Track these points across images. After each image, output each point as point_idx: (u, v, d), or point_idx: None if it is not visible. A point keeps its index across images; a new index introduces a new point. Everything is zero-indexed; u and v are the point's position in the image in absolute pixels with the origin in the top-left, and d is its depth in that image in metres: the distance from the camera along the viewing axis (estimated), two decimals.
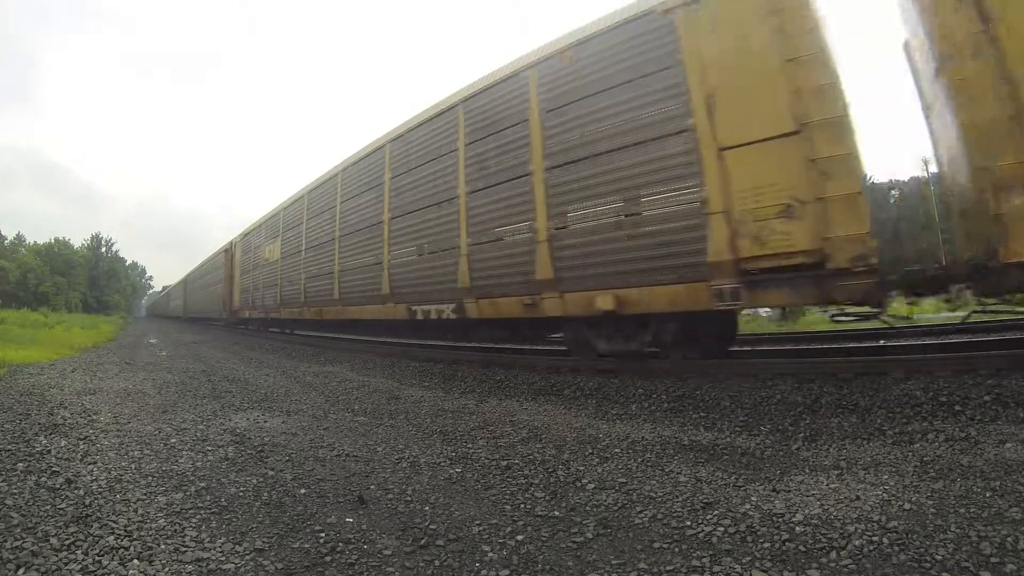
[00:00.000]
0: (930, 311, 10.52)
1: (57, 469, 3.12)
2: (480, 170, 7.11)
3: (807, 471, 2.98)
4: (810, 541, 2.13)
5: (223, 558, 2.14)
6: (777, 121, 4.46)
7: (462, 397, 5.78)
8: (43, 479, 2.94)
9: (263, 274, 16.14)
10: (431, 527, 2.44)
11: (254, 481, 3.04)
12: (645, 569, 2.02)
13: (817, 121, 4.29)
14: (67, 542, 2.22)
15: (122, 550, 2.16)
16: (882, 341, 6.57)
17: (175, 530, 2.37)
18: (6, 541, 2.19)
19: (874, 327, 6.11)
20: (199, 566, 2.07)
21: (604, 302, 5.50)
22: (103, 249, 73.59)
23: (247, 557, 2.15)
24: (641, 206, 5.29)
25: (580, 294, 5.80)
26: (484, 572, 2.04)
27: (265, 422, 4.60)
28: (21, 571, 2.00)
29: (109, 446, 3.68)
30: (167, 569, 2.04)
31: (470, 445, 3.84)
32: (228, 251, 21.29)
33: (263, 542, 2.28)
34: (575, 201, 5.88)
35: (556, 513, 2.58)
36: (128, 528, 2.36)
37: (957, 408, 3.56)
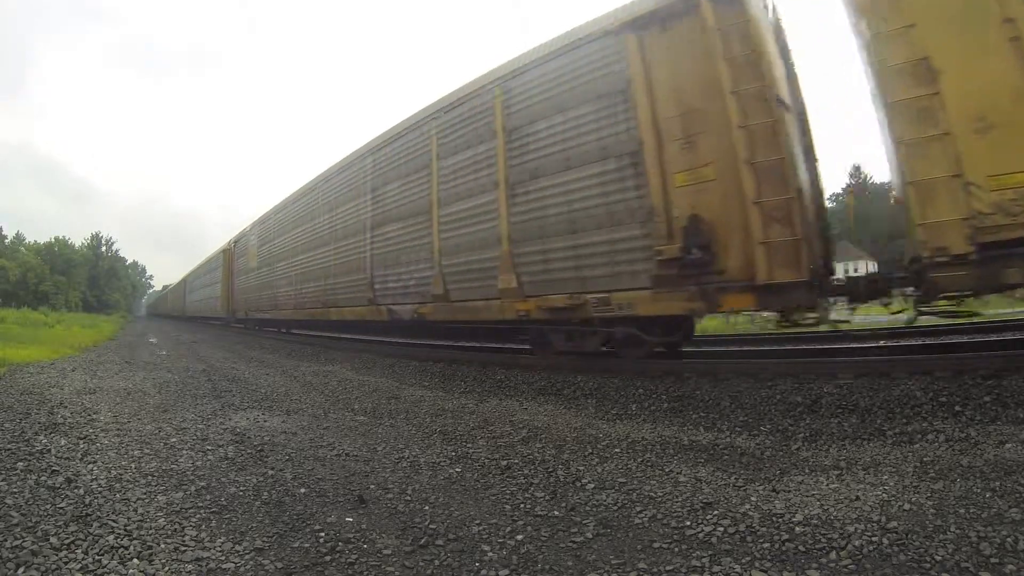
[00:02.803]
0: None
1: (57, 468, 3.12)
2: None
3: (807, 471, 2.98)
4: (810, 541, 2.12)
5: (223, 557, 2.14)
6: None
7: (462, 397, 5.78)
8: (43, 478, 2.94)
9: None
10: (431, 527, 2.44)
11: (254, 480, 3.04)
12: (645, 569, 2.02)
13: None
14: (67, 541, 2.22)
15: (122, 549, 2.17)
16: (882, 342, 6.57)
17: (175, 529, 2.37)
18: (6, 540, 2.19)
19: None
20: (199, 565, 2.07)
21: None
22: (103, 248, 73.58)
23: (247, 556, 2.15)
24: None
25: None
26: (484, 572, 2.04)
27: (265, 421, 4.60)
28: (21, 570, 2.00)
29: (109, 445, 3.68)
30: (167, 568, 2.04)
31: (470, 445, 3.84)
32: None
33: (263, 541, 2.28)
34: None
35: (556, 513, 2.58)
36: (128, 527, 2.36)
37: (957, 408, 3.55)
